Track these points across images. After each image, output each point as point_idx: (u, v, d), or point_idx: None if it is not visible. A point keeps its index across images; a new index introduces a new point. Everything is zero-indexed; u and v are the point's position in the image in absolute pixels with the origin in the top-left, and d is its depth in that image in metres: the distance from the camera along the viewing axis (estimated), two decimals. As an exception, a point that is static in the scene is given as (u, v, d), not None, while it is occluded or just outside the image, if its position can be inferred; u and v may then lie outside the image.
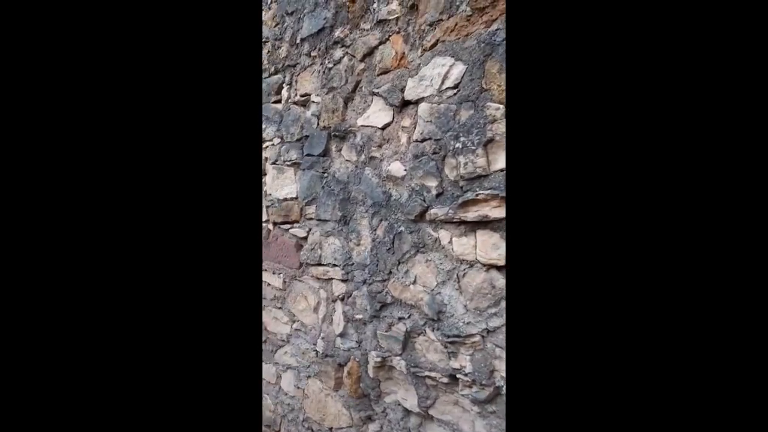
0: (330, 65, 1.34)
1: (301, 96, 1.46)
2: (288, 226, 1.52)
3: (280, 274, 1.57)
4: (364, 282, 1.21)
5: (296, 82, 1.50)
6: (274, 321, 1.61)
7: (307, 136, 1.43)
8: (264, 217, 1.65)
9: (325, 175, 1.35)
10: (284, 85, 1.55)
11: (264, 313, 1.67)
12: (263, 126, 1.63)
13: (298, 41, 1.47)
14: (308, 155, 1.41)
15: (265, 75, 1.64)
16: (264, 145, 1.64)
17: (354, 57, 1.27)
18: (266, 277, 1.65)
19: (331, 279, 1.34)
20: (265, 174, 1.65)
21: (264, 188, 1.65)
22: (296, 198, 1.48)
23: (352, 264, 1.25)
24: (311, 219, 1.41)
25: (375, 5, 1.20)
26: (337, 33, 1.32)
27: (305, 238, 1.44)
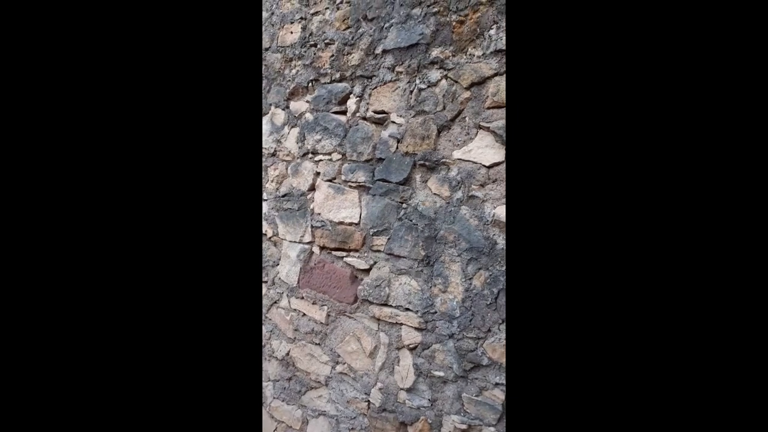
0: (422, 86, 1.21)
1: (376, 113, 1.32)
2: (343, 253, 1.34)
3: (323, 305, 1.39)
4: (451, 336, 1.08)
5: (369, 95, 1.35)
6: (308, 358, 1.42)
7: (381, 159, 1.28)
8: (307, 239, 1.46)
9: (404, 206, 1.21)
10: (351, 95, 1.39)
11: (294, 347, 1.47)
12: (318, 137, 1.46)
13: (378, 52, 1.33)
14: (382, 180, 1.26)
15: (326, 80, 1.47)
16: (317, 158, 1.47)
17: (457, 83, 1.15)
18: (301, 306, 1.46)
19: (401, 324, 1.19)
20: (313, 190, 1.47)
21: (311, 206, 1.46)
22: (358, 224, 1.32)
23: (435, 312, 1.12)
24: (379, 251, 1.25)
25: (492, 32, 1.10)
26: (435, 53, 1.20)
27: (366, 271, 1.28)
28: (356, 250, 1.31)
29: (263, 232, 1.63)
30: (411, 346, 1.16)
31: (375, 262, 1.26)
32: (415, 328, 1.15)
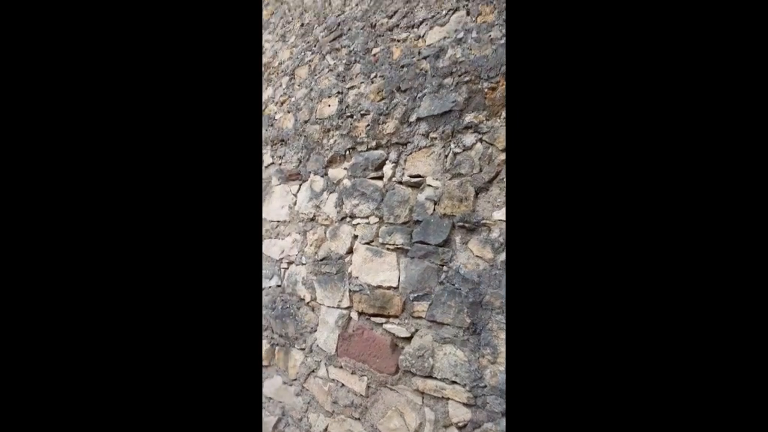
0: (457, 150, 1.24)
1: (411, 176, 1.34)
2: (382, 320, 1.30)
3: (363, 376, 1.32)
4: (504, 414, 0.98)
5: (405, 161, 1.38)
6: (347, 436, 1.32)
7: (418, 221, 1.28)
8: (345, 304, 1.44)
9: (445, 269, 1.18)
10: (387, 161, 1.44)
11: (332, 421, 1.38)
12: (356, 201, 1.49)
13: (412, 120, 1.39)
14: (421, 242, 1.25)
15: (362, 148, 1.54)
16: (354, 222, 1.49)
17: (492, 145, 1.16)
18: (340, 375, 1.40)
19: (447, 399, 1.09)
20: (351, 253, 1.47)
21: (349, 269, 1.46)
22: (396, 288, 1.29)
23: (485, 386, 1.03)
24: (420, 318, 1.20)
25: (524, 96, 1.13)
26: (469, 118, 1.23)
27: (407, 339, 1.22)
28: (396, 317, 1.26)
29: (301, 296, 1.63)
30: (460, 424, 1.06)
31: (416, 330, 1.20)
32: (464, 404, 1.06)
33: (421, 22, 1.42)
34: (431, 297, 1.18)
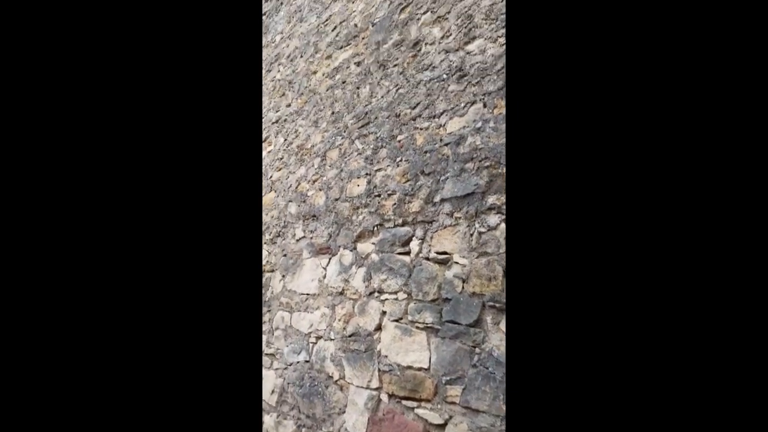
0: (482, 230, 1.29)
1: (438, 253, 1.39)
2: (414, 403, 1.26)
3: (394, 467, 1.25)
4: None
5: (431, 238, 1.44)
6: None
7: (447, 299, 1.29)
8: (374, 384, 1.41)
9: (477, 350, 1.17)
10: (414, 238, 1.50)
11: None
12: (384, 276, 1.53)
13: (436, 200, 1.47)
14: (452, 322, 1.25)
15: (390, 225, 1.61)
16: (382, 297, 1.51)
17: (517, 226, 1.21)
18: (370, 465, 1.33)
19: (487, 498, 1.02)
20: (380, 330, 1.48)
21: (377, 347, 1.45)
22: (428, 369, 1.27)
23: (528, 485, 0.96)
24: (454, 403, 1.16)
25: (544, 180, 1.19)
26: (491, 200, 1.30)
27: (441, 427, 1.17)
28: (428, 401, 1.23)
29: (330, 374, 1.61)
30: None
31: (450, 417, 1.16)
32: (506, 507, 0.98)
33: (442, 113, 1.56)
34: (464, 381, 1.16)
